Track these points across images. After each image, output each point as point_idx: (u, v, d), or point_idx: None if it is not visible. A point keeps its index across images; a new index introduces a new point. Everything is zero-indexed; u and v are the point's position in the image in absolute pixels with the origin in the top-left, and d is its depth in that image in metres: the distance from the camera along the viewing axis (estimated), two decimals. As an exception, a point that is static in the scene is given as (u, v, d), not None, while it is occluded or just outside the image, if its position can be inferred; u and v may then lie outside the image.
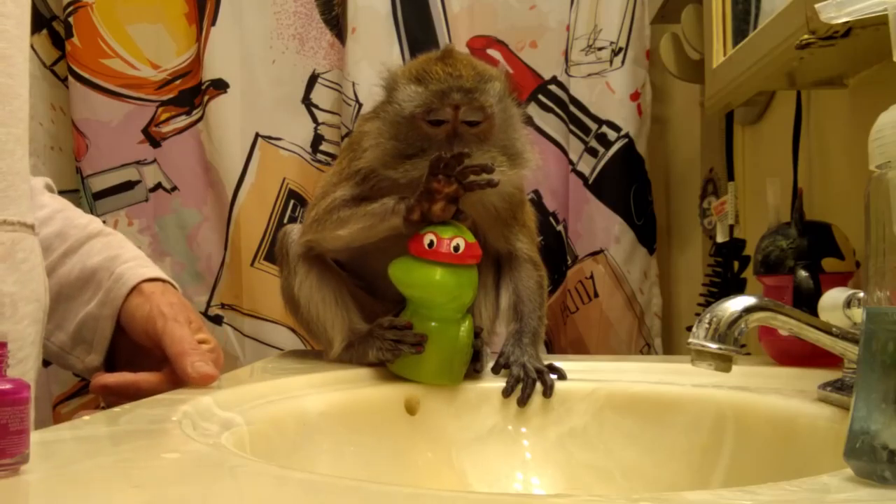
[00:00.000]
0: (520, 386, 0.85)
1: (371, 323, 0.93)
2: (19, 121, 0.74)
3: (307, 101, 1.48)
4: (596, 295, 1.39)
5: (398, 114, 0.90)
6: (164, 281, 0.92)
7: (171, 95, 1.49)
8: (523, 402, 0.84)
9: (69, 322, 0.90)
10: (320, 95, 1.48)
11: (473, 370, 0.89)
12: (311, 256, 0.98)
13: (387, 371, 0.89)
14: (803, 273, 0.86)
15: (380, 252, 0.91)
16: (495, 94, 0.90)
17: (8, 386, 0.45)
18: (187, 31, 1.49)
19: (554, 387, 0.85)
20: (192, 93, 1.49)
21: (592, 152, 1.40)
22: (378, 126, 0.92)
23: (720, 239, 1.18)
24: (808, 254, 0.88)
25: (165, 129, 1.49)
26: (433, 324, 0.86)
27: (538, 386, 0.85)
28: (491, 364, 0.90)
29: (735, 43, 1.00)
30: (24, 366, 0.74)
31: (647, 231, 1.39)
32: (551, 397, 0.85)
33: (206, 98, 1.46)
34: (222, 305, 1.46)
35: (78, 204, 1.46)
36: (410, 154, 0.89)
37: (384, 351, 0.88)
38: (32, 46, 1.44)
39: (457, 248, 0.83)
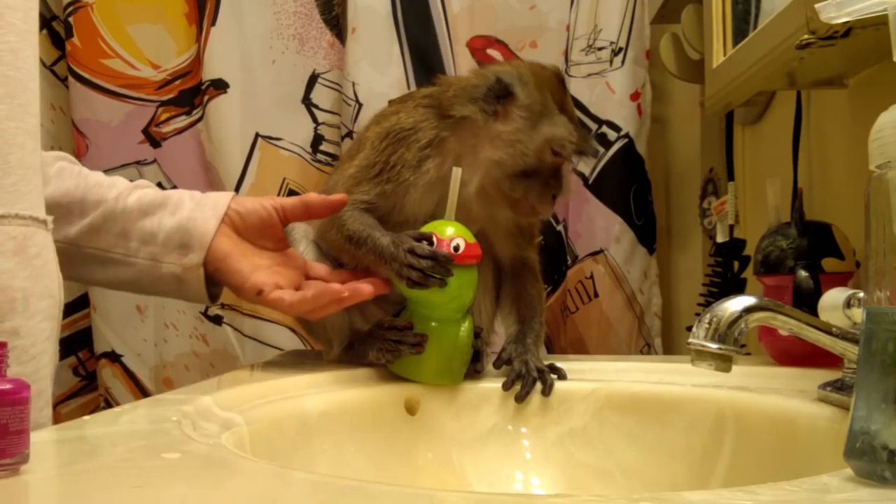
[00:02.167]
0: (520, 382, 0.85)
1: (371, 323, 0.93)
2: (29, 115, 0.73)
3: (307, 101, 1.48)
4: (596, 295, 1.39)
5: (543, 135, 0.90)
6: None
7: (171, 95, 1.49)
8: (521, 398, 0.84)
9: (157, 233, 0.91)
10: (320, 95, 1.48)
11: (474, 370, 0.89)
12: (312, 254, 0.98)
13: (387, 371, 0.89)
14: (803, 273, 0.86)
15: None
16: None
17: (8, 386, 0.45)
18: (187, 31, 1.49)
19: (553, 386, 0.85)
20: (192, 93, 1.49)
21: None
22: (510, 131, 0.91)
23: (720, 239, 1.18)
24: (808, 254, 0.88)
25: (165, 129, 1.49)
26: (433, 324, 0.86)
27: (538, 385, 0.85)
28: (491, 363, 0.90)
29: (735, 43, 1.00)
30: (38, 362, 0.73)
31: (647, 231, 1.39)
32: (550, 396, 0.85)
33: (206, 98, 1.46)
34: (222, 305, 1.46)
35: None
36: (528, 173, 0.91)
37: (384, 352, 0.88)
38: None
39: (457, 248, 0.83)
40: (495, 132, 0.91)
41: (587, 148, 0.94)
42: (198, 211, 0.91)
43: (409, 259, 0.83)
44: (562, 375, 0.89)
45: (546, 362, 0.90)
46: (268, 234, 0.93)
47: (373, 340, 0.90)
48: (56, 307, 0.77)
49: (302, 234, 1.01)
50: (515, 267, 0.98)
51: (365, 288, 0.86)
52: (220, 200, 0.93)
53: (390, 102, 1.06)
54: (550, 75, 0.95)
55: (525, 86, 0.91)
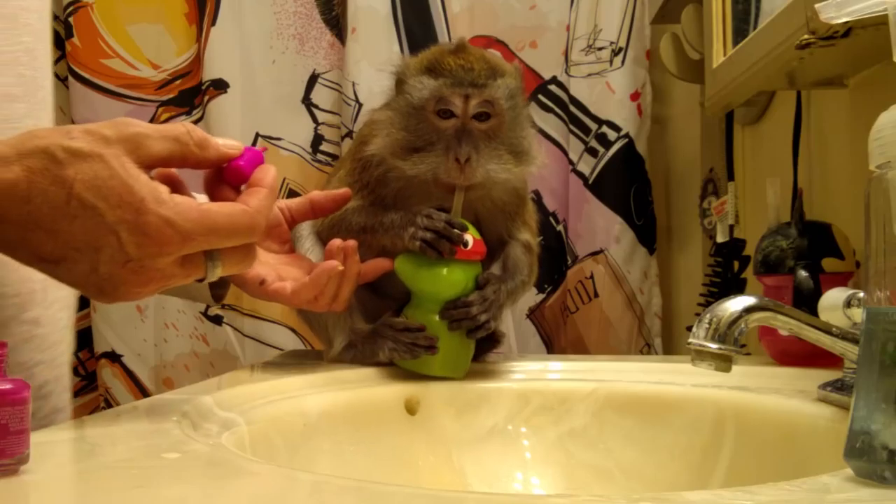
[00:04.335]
0: (465, 322, 0.86)
1: (372, 322, 0.93)
2: (45, 111, 0.75)
3: (307, 101, 1.48)
4: (596, 295, 1.39)
5: (408, 104, 0.90)
6: None
7: (171, 95, 1.49)
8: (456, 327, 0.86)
9: None
10: (320, 95, 1.48)
11: (493, 351, 0.90)
12: (318, 252, 0.98)
13: (387, 371, 0.89)
14: (803, 273, 0.86)
15: (383, 252, 0.91)
16: (507, 90, 0.89)
17: (8, 386, 0.44)
18: (187, 31, 1.49)
19: (477, 333, 0.86)
20: (192, 93, 1.49)
21: (592, 152, 1.40)
22: (389, 115, 0.92)
23: (720, 239, 1.18)
24: (808, 254, 0.88)
25: (165, 129, 1.49)
26: (437, 317, 0.86)
27: (468, 324, 0.86)
28: (505, 342, 0.91)
29: (735, 43, 1.00)
30: (57, 349, 0.75)
31: (647, 231, 1.39)
32: (550, 396, 0.85)
33: (206, 98, 1.46)
34: (222, 305, 1.46)
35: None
36: (419, 146, 0.89)
37: (398, 352, 0.88)
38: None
39: (466, 244, 0.84)
40: None
41: (448, 92, 0.87)
42: None
43: (426, 222, 0.84)
44: (496, 338, 0.92)
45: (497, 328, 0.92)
46: (273, 235, 0.93)
47: (383, 340, 0.89)
48: (72, 296, 0.79)
49: (308, 232, 1.01)
50: (509, 244, 0.98)
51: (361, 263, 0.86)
52: None
53: None
54: (436, 50, 0.92)
55: (407, 69, 0.92)
